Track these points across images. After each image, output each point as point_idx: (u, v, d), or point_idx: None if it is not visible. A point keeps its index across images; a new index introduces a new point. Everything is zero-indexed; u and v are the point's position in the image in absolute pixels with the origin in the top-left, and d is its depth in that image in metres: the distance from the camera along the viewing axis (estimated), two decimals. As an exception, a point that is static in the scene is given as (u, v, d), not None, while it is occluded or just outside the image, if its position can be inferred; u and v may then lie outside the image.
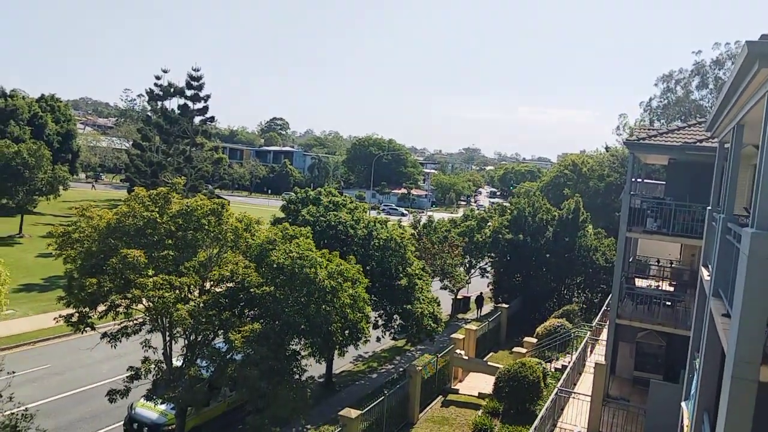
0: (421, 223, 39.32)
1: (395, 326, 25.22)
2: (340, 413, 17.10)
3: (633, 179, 20.11)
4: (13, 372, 16.21)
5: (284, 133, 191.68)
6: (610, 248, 36.14)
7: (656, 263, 25.17)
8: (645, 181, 27.79)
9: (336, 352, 18.48)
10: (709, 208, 13.50)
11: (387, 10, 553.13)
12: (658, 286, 22.65)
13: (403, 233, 27.13)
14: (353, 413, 16.89)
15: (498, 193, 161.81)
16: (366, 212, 28.38)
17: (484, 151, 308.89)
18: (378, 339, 24.60)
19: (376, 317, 24.23)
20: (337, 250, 19.02)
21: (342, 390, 24.21)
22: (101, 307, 15.17)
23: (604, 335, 24.37)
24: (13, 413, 13.99)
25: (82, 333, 15.66)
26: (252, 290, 15.34)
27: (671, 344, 19.53)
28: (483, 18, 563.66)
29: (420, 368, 21.62)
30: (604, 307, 29.09)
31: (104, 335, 15.41)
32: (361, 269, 19.08)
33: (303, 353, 16.97)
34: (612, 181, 53.69)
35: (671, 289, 22.02)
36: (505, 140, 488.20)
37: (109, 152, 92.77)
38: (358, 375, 26.37)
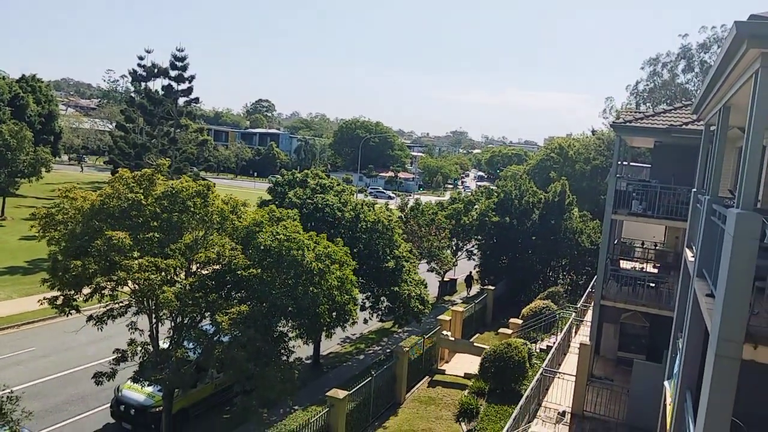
0: (409, 206, 39.32)
1: (382, 308, 25.35)
2: (328, 394, 17.20)
3: (619, 162, 20.18)
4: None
5: (270, 115, 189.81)
6: (596, 231, 36.48)
7: (641, 245, 25.38)
8: (631, 164, 27.93)
9: (323, 333, 18.56)
10: (694, 190, 13.62)
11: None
12: (643, 267, 22.85)
13: (390, 216, 27.14)
14: (341, 394, 17.00)
15: (485, 177, 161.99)
16: (353, 195, 28.33)
17: (471, 135, 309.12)
18: (365, 321, 24.72)
19: (363, 299, 24.30)
20: (325, 233, 19.00)
21: (329, 371, 24.32)
22: (86, 290, 15.02)
23: (588, 316, 24.65)
24: (-2, 396, 13.86)
25: (67, 316, 15.54)
26: (239, 272, 15.29)
27: (655, 325, 19.77)
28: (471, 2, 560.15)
29: (407, 349, 21.76)
30: (588, 289, 29.40)
31: (90, 318, 15.30)
32: (349, 251, 19.11)
33: (290, 335, 17.01)
34: (598, 164, 53.91)
35: (655, 270, 22.23)
36: (493, 124, 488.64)
37: (92, 134, 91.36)
38: (345, 356, 26.48)
